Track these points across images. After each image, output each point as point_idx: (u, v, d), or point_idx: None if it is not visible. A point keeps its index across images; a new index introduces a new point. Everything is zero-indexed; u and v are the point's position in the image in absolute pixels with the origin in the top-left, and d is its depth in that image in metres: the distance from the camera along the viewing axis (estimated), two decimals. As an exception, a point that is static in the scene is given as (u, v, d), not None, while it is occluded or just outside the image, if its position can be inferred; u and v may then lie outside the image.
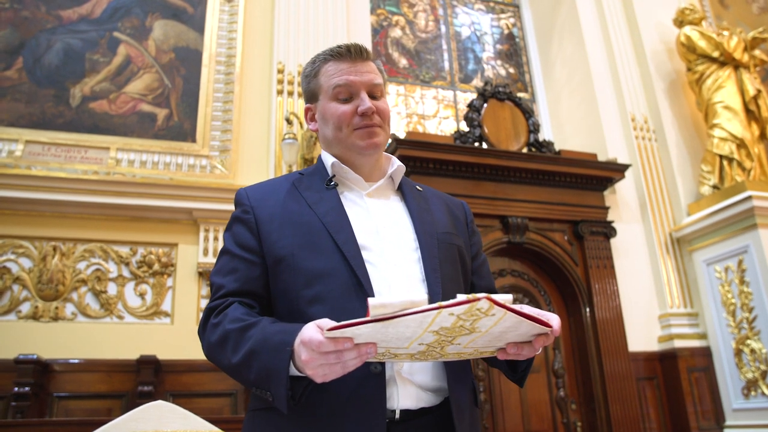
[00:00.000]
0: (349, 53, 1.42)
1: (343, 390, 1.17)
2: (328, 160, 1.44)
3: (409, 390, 1.21)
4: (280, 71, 4.51)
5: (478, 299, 0.90)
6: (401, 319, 0.94)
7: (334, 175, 1.42)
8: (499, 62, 6.42)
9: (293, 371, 1.09)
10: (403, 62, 5.96)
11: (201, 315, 1.36)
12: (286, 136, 4.06)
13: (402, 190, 1.46)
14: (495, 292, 1.45)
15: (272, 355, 1.10)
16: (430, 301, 0.95)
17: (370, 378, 1.17)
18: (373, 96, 1.42)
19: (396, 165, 1.46)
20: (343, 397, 1.17)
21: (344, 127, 1.39)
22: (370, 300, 0.94)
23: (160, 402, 1.63)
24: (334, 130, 1.41)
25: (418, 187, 1.52)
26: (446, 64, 6.17)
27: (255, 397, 1.31)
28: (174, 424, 1.54)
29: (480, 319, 0.97)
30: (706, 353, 4.82)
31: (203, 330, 1.29)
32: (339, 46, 1.44)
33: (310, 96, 1.49)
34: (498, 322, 0.99)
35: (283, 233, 1.32)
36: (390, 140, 3.94)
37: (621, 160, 5.18)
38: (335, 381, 1.17)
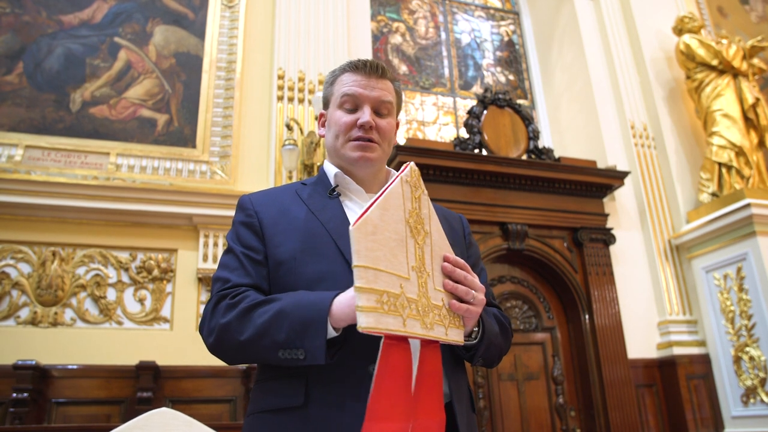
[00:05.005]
0: (365, 67, 1.46)
1: (343, 392, 1.17)
2: (331, 170, 1.48)
3: None
4: (281, 77, 4.52)
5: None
6: (390, 192, 1.13)
7: (337, 185, 1.45)
8: (498, 69, 6.44)
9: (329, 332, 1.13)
10: (403, 69, 5.98)
11: (203, 309, 1.32)
12: (287, 142, 4.06)
13: None
14: (492, 302, 1.51)
15: (308, 309, 1.14)
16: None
17: (371, 380, 1.17)
18: (379, 113, 1.46)
19: None
20: (343, 399, 1.17)
21: (341, 136, 1.44)
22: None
23: (163, 409, 1.63)
24: (333, 138, 1.46)
25: None
26: (446, 71, 6.19)
27: (254, 400, 1.32)
28: (178, 430, 1.54)
29: (421, 192, 1.22)
30: (705, 360, 4.83)
31: (211, 315, 1.26)
32: (359, 60, 1.48)
33: (325, 103, 1.54)
34: (430, 208, 1.25)
35: (286, 237, 1.34)
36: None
37: (620, 168, 5.19)
38: (335, 382, 1.17)
